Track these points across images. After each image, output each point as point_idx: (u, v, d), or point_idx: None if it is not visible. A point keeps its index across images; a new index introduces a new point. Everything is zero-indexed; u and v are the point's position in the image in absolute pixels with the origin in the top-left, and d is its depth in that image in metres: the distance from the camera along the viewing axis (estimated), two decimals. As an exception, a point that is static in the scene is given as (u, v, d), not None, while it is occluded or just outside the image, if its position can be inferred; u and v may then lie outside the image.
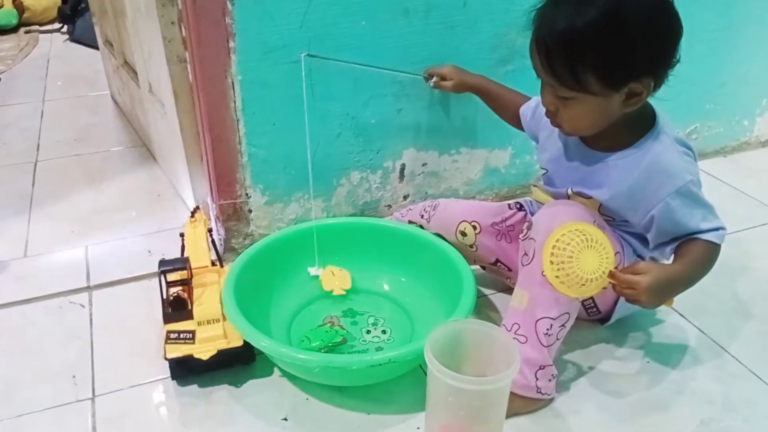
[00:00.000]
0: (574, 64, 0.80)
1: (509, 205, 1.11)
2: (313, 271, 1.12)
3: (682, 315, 1.10)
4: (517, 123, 1.13)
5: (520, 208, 1.10)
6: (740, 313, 1.11)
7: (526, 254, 0.91)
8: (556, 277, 0.82)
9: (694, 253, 0.89)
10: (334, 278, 1.11)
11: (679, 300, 1.10)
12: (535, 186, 1.07)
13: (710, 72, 1.53)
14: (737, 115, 1.64)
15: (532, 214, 1.09)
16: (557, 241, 0.82)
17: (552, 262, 0.82)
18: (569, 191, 0.97)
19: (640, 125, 0.90)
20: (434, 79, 1.18)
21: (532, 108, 1.06)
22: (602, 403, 0.93)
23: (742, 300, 1.14)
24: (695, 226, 0.88)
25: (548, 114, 0.90)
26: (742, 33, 1.51)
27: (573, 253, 0.81)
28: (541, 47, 0.82)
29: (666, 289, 0.85)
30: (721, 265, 1.20)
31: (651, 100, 0.90)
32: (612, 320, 1.03)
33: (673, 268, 0.89)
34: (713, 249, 0.89)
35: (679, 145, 0.90)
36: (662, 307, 1.10)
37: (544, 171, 1.02)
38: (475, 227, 1.09)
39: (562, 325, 0.89)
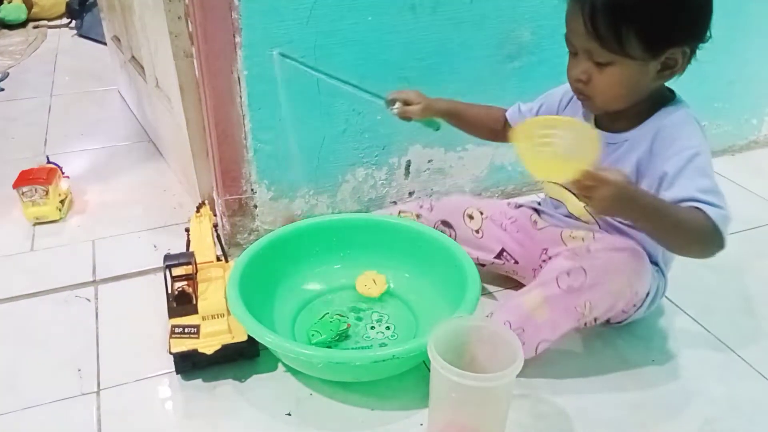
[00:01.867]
0: (619, 24, 0.80)
1: (508, 203, 1.14)
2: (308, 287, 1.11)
3: (688, 314, 1.09)
4: (495, 136, 1.13)
5: (518, 206, 1.12)
6: (747, 313, 1.10)
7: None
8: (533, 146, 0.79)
9: (684, 211, 0.82)
10: (373, 285, 1.10)
11: (686, 299, 1.11)
12: (548, 182, 1.06)
13: (719, 70, 1.52)
14: (746, 114, 1.63)
15: (541, 213, 1.09)
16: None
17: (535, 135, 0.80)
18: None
19: (658, 104, 0.90)
20: (397, 105, 1.06)
21: (538, 103, 1.06)
22: (606, 402, 0.92)
23: (749, 299, 1.13)
24: (693, 193, 0.82)
25: (578, 86, 0.88)
26: (751, 31, 1.50)
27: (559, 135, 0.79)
28: (586, 6, 0.81)
29: (622, 202, 0.79)
30: (728, 264, 1.21)
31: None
32: (623, 323, 1.02)
33: (646, 193, 0.84)
34: (706, 224, 0.81)
35: (696, 123, 0.88)
36: (669, 307, 1.10)
37: None
38: (482, 213, 1.11)
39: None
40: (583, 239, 0.98)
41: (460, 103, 1.12)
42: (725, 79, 1.54)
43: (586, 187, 0.77)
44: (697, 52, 0.86)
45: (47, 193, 1.35)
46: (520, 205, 1.12)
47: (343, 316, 1.04)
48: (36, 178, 1.36)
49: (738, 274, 1.19)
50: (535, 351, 0.92)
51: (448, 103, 1.10)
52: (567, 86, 0.99)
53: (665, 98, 0.90)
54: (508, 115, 1.10)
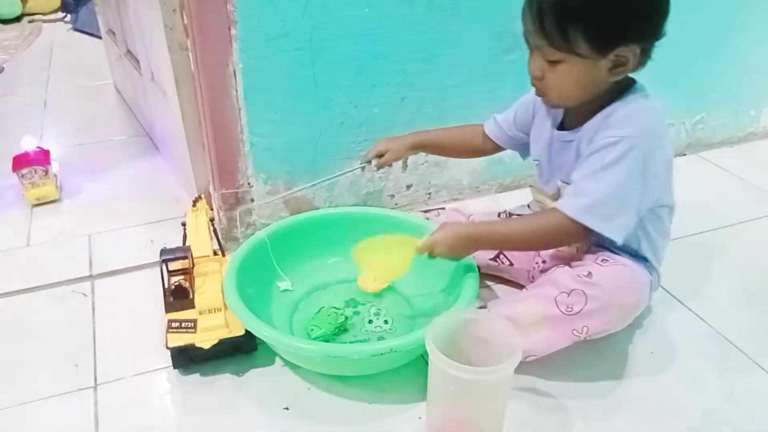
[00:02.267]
0: (565, 24, 0.81)
1: (498, 213, 1.14)
2: (282, 285, 1.10)
3: (687, 307, 1.09)
4: (476, 153, 1.14)
5: (509, 216, 1.12)
6: (746, 305, 1.10)
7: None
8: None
9: (535, 221, 0.92)
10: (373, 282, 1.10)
11: (685, 291, 1.11)
12: (531, 187, 1.08)
13: (717, 62, 1.52)
14: (744, 105, 1.62)
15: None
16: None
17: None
18: (559, 183, 0.97)
19: (615, 98, 0.89)
20: (374, 161, 1.09)
21: (513, 111, 1.07)
22: (604, 394, 0.92)
23: (748, 291, 1.13)
24: (584, 176, 0.86)
25: (534, 82, 0.89)
26: (749, 23, 1.50)
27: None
28: (534, 7, 0.83)
29: (460, 248, 0.93)
30: (727, 256, 1.21)
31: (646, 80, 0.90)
32: None
33: (470, 230, 0.93)
34: (561, 222, 0.86)
35: (644, 111, 0.87)
36: (668, 299, 1.10)
37: (537, 162, 1.02)
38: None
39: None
40: (576, 249, 0.98)
41: (431, 132, 1.13)
42: (723, 71, 1.54)
43: (428, 250, 0.92)
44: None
45: (46, 173, 1.40)
46: (511, 215, 1.13)
47: (338, 309, 1.04)
48: (34, 160, 1.40)
49: (737, 265, 1.19)
50: (523, 360, 0.91)
51: (419, 135, 1.12)
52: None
53: (622, 91, 0.89)
54: (486, 129, 1.11)
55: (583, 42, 0.81)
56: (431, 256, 0.92)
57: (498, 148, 1.12)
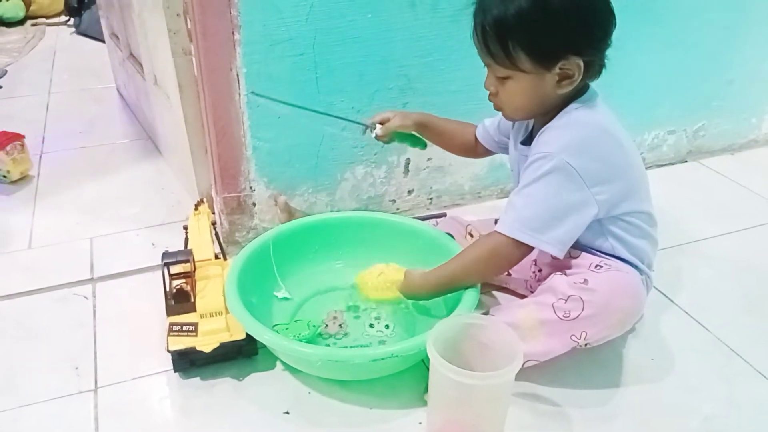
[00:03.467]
0: (506, 41, 0.84)
1: (495, 220, 1.12)
2: (280, 294, 1.09)
3: (687, 313, 1.09)
4: (468, 152, 1.16)
5: None
6: (747, 312, 1.10)
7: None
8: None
9: (470, 252, 0.94)
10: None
11: (686, 298, 1.11)
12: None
13: (718, 69, 1.52)
14: (745, 113, 1.63)
15: None
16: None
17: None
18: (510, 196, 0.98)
19: (558, 112, 0.91)
20: (377, 127, 1.09)
21: (499, 116, 1.07)
22: (605, 400, 0.92)
23: (749, 298, 1.13)
24: (516, 190, 0.90)
25: (490, 97, 0.93)
26: (750, 31, 1.50)
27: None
28: (478, 28, 0.87)
29: (416, 293, 0.99)
30: (728, 263, 1.21)
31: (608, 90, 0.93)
32: None
33: (421, 284, 0.97)
34: (498, 242, 0.89)
35: (575, 125, 0.89)
36: (668, 305, 1.10)
37: (511, 169, 1.05)
38: (480, 233, 1.12)
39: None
40: (570, 254, 0.98)
41: (434, 117, 1.15)
42: (724, 78, 1.54)
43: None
44: (611, 58, 0.89)
45: (23, 146, 1.52)
46: None
47: (315, 326, 1.02)
48: (11, 137, 1.50)
49: (738, 272, 1.19)
50: (522, 365, 0.91)
51: (423, 115, 1.13)
52: None
53: (565, 105, 0.91)
54: (476, 132, 1.13)
55: (525, 58, 0.84)
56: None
57: (488, 152, 1.14)
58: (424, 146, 1.15)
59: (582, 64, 0.85)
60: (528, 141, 0.97)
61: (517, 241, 0.88)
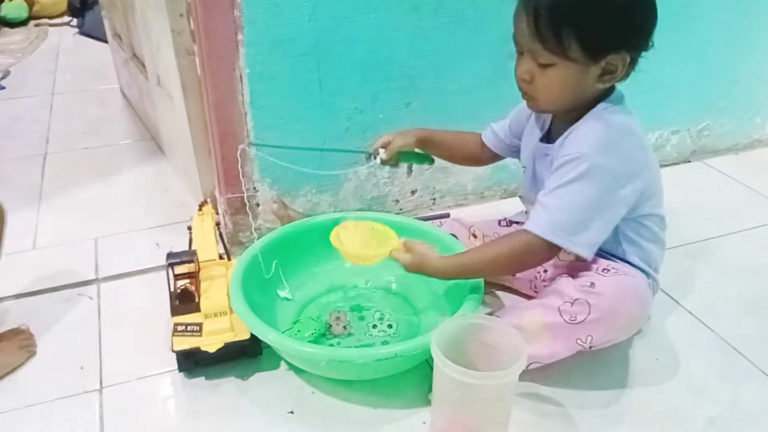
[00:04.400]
0: (561, 27, 0.81)
1: (499, 221, 1.14)
2: (283, 293, 1.09)
3: (692, 313, 1.09)
4: (474, 161, 1.15)
5: (509, 224, 1.13)
6: (751, 312, 1.10)
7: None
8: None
9: (499, 243, 0.91)
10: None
11: (690, 299, 1.11)
12: (521, 197, 1.08)
13: (723, 70, 1.52)
14: (749, 113, 1.62)
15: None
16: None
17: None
18: (538, 193, 0.97)
19: (585, 110, 0.90)
20: (380, 151, 1.07)
21: (509, 118, 1.07)
22: (609, 400, 0.92)
23: (753, 299, 1.13)
24: (546, 192, 0.87)
25: (522, 86, 0.90)
26: (755, 31, 1.50)
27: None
28: (530, 9, 0.83)
29: (428, 273, 0.94)
30: (732, 263, 1.21)
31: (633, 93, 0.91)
32: None
33: (437, 265, 0.93)
34: (528, 241, 0.86)
35: (605, 125, 0.87)
36: (672, 306, 1.10)
37: (524, 168, 1.03)
38: (484, 234, 1.13)
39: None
40: (577, 257, 0.98)
41: (435, 130, 1.14)
42: (729, 79, 1.54)
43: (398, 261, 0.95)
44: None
45: None
46: (511, 222, 1.13)
47: (315, 319, 1.03)
48: None
49: (742, 273, 1.19)
50: (526, 367, 0.91)
51: (423, 131, 1.12)
52: None
53: (594, 103, 0.90)
54: (483, 137, 1.11)
55: (577, 46, 0.82)
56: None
57: (495, 157, 1.12)
58: (431, 162, 1.15)
59: (628, 60, 0.84)
60: (546, 138, 0.97)
61: (549, 242, 0.85)
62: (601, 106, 0.89)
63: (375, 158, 1.07)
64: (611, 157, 0.85)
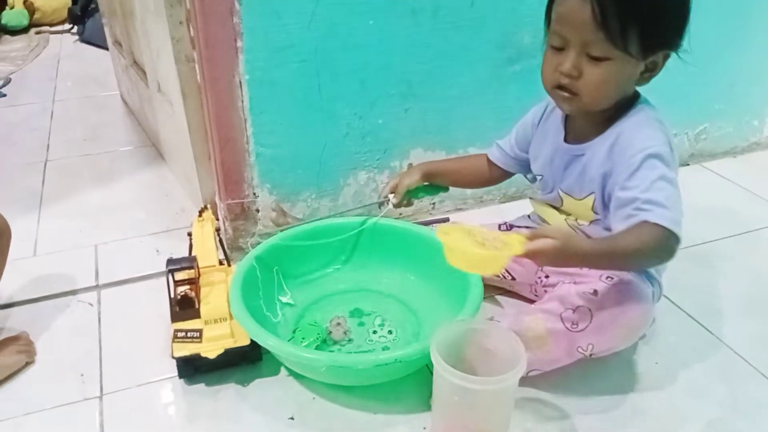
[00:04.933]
0: (627, 19, 0.80)
1: (499, 225, 1.14)
2: (284, 299, 1.09)
3: (691, 316, 1.09)
4: (484, 182, 1.15)
5: (510, 228, 1.12)
6: (750, 314, 1.10)
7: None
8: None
9: (631, 236, 0.81)
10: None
11: (689, 301, 1.11)
12: (531, 198, 1.08)
13: (720, 72, 1.52)
14: (747, 116, 1.63)
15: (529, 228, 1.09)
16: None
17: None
18: (560, 192, 0.97)
19: (623, 108, 0.90)
20: (390, 196, 1.09)
21: (513, 133, 1.07)
22: (609, 404, 0.92)
23: (752, 300, 1.13)
24: (638, 194, 0.82)
25: (566, 82, 0.85)
26: (752, 34, 1.50)
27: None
28: (596, 2, 0.80)
29: (566, 263, 0.83)
30: (730, 265, 1.21)
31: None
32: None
33: (582, 246, 0.81)
34: (655, 235, 0.80)
35: (656, 122, 0.88)
36: (671, 308, 1.10)
37: (540, 177, 1.02)
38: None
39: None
40: None
41: (439, 162, 1.14)
42: (726, 81, 1.54)
43: (530, 257, 0.78)
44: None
45: None
46: (512, 227, 1.13)
47: (314, 325, 1.03)
48: None
49: (741, 275, 1.19)
50: (526, 374, 0.91)
51: (427, 165, 1.12)
52: (536, 107, 1.02)
53: (631, 101, 0.90)
54: (490, 156, 1.11)
55: (637, 41, 0.81)
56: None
57: (505, 175, 1.11)
58: (445, 189, 1.15)
59: (667, 59, 0.84)
60: (568, 140, 0.95)
61: (677, 235, 0.81)
62: (640, 106, 0.89)
63: (387, 204, 1.09)
64: (672, 150, 0.86)
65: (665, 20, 0.82)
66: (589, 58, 0.83)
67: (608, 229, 0.93)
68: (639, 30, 0.80)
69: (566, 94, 0.87)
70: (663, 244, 0.80)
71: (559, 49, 0.86)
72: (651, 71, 0.86)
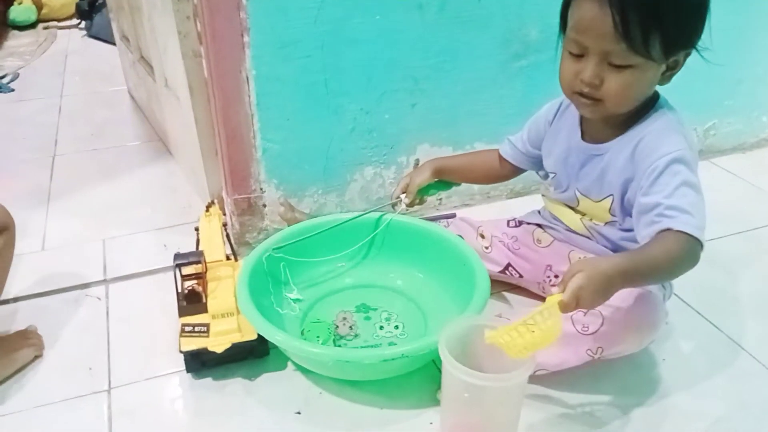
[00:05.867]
0: (649, 26, 0.78)
1: (507, 221, 1.13)
2: (292, 295, 1.09)
3: (699, 313, 1.09)
4: (495, 177, 1.15)
5: (518, 224, 1.12)
6: (758, 312, 1.09)
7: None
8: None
9: (659, 247, 0.79)
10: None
11: (698, 298, 1.10)
12: (544, 196, 1.07)
13: (729, 69, 1.50)
14: (756, 111, 1.61)
15: (545, 228, 1.08)
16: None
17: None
18: (577, 193, 0.97)
19: (643, 109, 0.89)
20: (402, 197, 1.10)
21: (525, 129, 1.06)
22: (617, 403, 0.92)
23: (761, 298, 1.12)
24: (660, 200, 0.81)
25: (586, 90, 0.84)
26: (761, 30, 1.49)
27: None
28: (617, 8, 0.78)
29: (609, 286, 0.75)
30: (739, 263, 1.21)
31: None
32: None
33: (615, 261, 0.77)
34: (682, 243, 0.78)
35: (678, 125, 0.87)
36: (680, 306, 1.09)
37: (553, 174, 1.01)
38: (492, 234, 1.12)
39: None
40: None
41: (449, 158, 1.14)
42: (735, 78, 1.53)
43: (573, 306, 0.74)
44: (703, 51, 0.87)
45: None
46: (521, 223, 1.12)
47: (319, 322, 1.04)
48: None
49: (749, 272, 1.19)
50: (533, 373, 0.90)
51: (437, 161, 1.13)
52: (549, 104, 1.01)
53: (650, 102, 0.89)
54: (501, 151, 1.10)
55: (659, 46, 0.80)
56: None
57: (516, 171, 1.11)
58: (458, 184, 1.16)
59: (689, 55, 0.84)
60: (583, 138, 0.95)
61: (701, 242, 0.79)
62: (662, 110, 0.88)
63: (400, 205, 1.10)
64: (694, 152, 0.86)
65: (687, 21, 0.81)
66: (610, 66, 0.82)
67: (624, 230, 0.94)
68: (661, 35, 0.79)
69: (587, 101, 0.86)
70: (688, 252, 0.79)
71: (578, 56, 0.84)
72: (672, 69, 0.85)
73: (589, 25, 0.81)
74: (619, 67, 0.81)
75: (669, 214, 0.80)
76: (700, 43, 0.85)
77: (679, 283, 1.02)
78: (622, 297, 0.86)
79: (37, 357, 1.01)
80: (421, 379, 0.94)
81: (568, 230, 1.03)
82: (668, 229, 0.79)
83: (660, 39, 0.79)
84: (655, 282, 0.88)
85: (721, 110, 1.57)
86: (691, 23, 0.82)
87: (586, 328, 0.87)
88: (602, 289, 0.74)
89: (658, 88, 0.88)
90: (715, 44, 1.45)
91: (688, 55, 0.85)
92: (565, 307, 0.73)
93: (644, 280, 0.82)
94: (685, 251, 0.78)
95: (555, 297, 0.74)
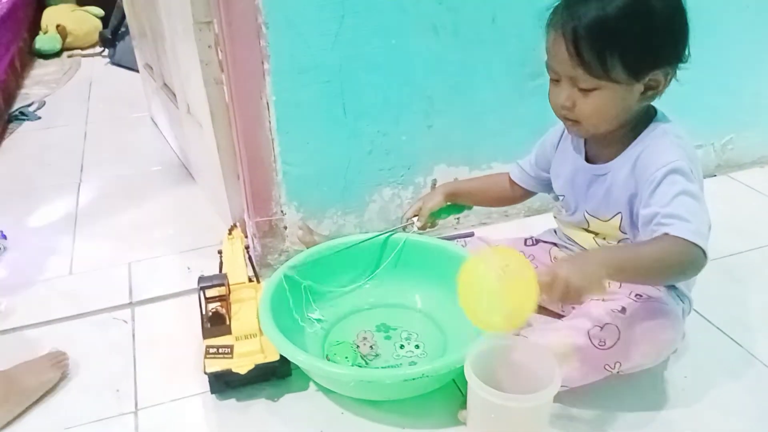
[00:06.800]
0: (603, 50, 0.80)
1: (525, 240, 1.14)
2: (314, 315, 1.11)
3: (720, 329, 1.08)
4: (507, 201, 1.17)
5: (536, 242, 1.13)
6: (780, 327, 1.08)
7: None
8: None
9: (656, 248, 0.79)
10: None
11: (717, 313, 1.10)
12: (556, 217, 1.08)
13: (744, 83, 1.51)
14: (774, 125, 1.61)
15: (561, 247, 1.09)
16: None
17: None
18: (585, 215, 0.97)
19: (641, 125, 0.90)
20: (413, 220, 1.13)
21: (533, 153, 1.08)
22: (640, 419, 0.92)
23: (782, 313, 1.12)
24: (658, 209, 0.81)
25: (563, 113, 0.88)
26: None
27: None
28: (569, 35, 0.81)
29: (588, 267, 0.75)
30: (757, 277, 1.20)
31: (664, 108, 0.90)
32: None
33: (603, 249, 0.80)
34: (683, 246, 0.78)
35: (674, 137, 0.87)
36: (699, 321, 1.09)
37: (562, 196, 1.02)
38: None
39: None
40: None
41: (461, 182, 1.16)
42: (751, 91, 1.53)
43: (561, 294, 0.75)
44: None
45: None
46: (538, 241, 1.13)
47: (341, 342, 1.05)
48: None
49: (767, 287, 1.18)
50: None
51: (449, 185, 1.15)
52: (554, 127, 1.03)
53: (647, 119, 0.90)
54: (511, 175, 1.12)
55: (621, 67, 0.81)
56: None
57: (527, 194, 1.12)
58: (469, 208, 1.18)
59: (669, 74, 0.84)
60: (587, 159, 0.96)
61: (701, 248, 0.79)
62: (656, 124, 0.89)
63: (411, 227, 1.13)
64: (694, 163, 0.86)
65: (650, 41, 0.81)
66: (580, 90, 0.84)
67: None
68: (620, 57, 0.80)
69: (569, 123, 0.89)
70: (686, 256, 0.79)
71: (556, 81, 0.87)
72: (654, 89, 0.84)
73: (553, 53, 0.85)
74: (586, 91, 0.84)
75: (666, 222, 0.80)
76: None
77: (699, 298, 1.02)
78: (639, 311, 0.87)
79: (63, 378, 1.03)
80: (442, 399, 0.94)
81: (582, 249, 1.04)
82: (665, 234, 0.79)
83: (620, 61, 0.80)
84: (648, 280, 0.87)
85: (738, 124, 1.56)
86: (657, 42, 0.81)
87: (603, 343, 0.87)
88: (580, 270, 0.75)
89: (657, 103, 0.89)
90: (731, 59, 1.46)
91: (669, 73, 0.84)
92: (544, 286, 0.74)
93: (634, 273, 0.81)
94: (682, 254, 0.79)
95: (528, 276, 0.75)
